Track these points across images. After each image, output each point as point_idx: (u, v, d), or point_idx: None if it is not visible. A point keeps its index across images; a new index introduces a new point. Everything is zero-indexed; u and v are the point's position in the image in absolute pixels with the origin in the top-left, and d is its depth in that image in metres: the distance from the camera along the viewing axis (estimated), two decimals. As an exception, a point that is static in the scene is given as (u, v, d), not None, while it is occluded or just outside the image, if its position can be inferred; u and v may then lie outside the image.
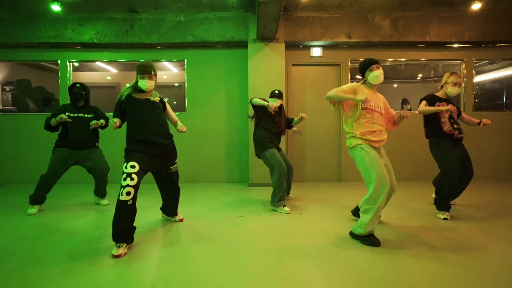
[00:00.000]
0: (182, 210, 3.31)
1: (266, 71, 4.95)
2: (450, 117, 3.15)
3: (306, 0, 4.43)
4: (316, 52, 5.25)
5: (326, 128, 5.35)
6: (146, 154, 2.41)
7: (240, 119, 5.22)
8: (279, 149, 3.57)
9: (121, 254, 2.15)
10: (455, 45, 5.20)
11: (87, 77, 7.39)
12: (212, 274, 1.85)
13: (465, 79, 5.34)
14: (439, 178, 3.15)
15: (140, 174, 2.27)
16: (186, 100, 5.26)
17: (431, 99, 3.20)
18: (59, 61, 5.22)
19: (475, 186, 4.60)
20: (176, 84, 7.62)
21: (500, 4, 4.77)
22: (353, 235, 2.46)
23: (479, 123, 3.27)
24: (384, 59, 5.40)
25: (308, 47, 5.26)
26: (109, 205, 3.65)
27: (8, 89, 6.36)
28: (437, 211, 3.10)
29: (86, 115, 3.50)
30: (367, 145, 2.42)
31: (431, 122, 3.20)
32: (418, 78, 8.65)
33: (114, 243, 2.21)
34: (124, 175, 2.22)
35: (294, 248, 2.25)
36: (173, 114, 2.91)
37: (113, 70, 7.39)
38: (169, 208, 2.95)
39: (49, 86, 7.24)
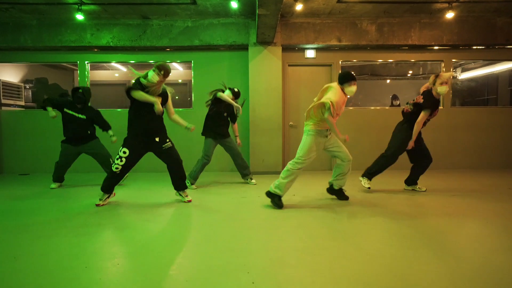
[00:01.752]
0: (194, 193, 3.94)
1: (265, 71, 5.53)
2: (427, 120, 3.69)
3: (300, 9, 4.98)
4: (310, 54, 5.84)
5: (319, 122, 5.97)
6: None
7: (242, 114, 5.81)
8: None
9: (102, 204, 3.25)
10: (435, 48, 5.78)
11: (100, 75, 7.97)
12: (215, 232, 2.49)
13: (444, 78, 5.93)
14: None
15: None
16: (193, 97, 5.86)
17: (433, 104, 3.53)
18: (78, 62, 5.79)
19: (458, 173, 5.24)
20: (179, 81, 8.21)
21: (472, 12, 5.35)
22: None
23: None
24: (372, 60, 5.99)
25: (303, 50, 5.84)
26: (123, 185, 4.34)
27: (28, 87, 6.94)
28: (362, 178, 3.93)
29: (79, 116, 4.16)
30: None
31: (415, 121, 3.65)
32: (408, 75, 9.26)
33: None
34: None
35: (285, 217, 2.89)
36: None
37: (123, 69, 7.95)
38: (176, 182, 3.44)
39: (62, 82, 7.83)
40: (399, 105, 6.77)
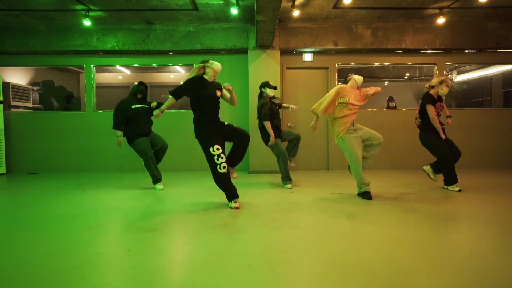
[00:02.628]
0: (196, 191, 4.15)
1: (264, 74, 5.75)
2: (438, 115, 3.95)
3: (297, 14, 5.20)
4: (308, 57, 6.05)
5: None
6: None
7: (241, 115, 6.03)
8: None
9: (239, 206, 3.18)
10: (429, 51, 5.99)
11: (104, 78, 8.21)
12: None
13: (437, 81, 6.13)
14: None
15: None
16: (194, 99, 6.07)
17: (433, 101, 3.89)
18: (84, 65, 6.02)
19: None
20: (181, 83, 8.43)
21: (463, 17, 5.55)
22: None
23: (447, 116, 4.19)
24: (368, 63, 6.21)
25: (301, 53, 6.05)
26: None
27: (35, 89, 7.18)
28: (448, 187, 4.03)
29: (146, 106, 4.24)
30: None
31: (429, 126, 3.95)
32: (405, 77, 9.47)
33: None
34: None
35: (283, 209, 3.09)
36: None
37: (127, 71, 8.19)
38: (239, 156, 3.38)
39: (68, 85, 8.08)
40: (395, 107, 6.97)
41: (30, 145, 6.01)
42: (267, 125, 4.19)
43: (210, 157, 3.08)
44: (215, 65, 3.28)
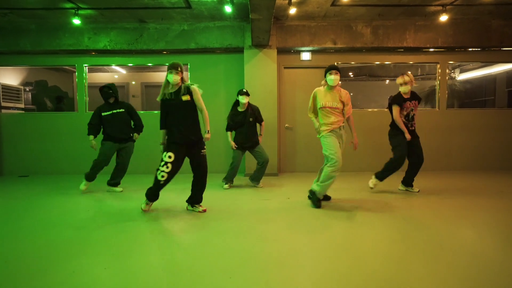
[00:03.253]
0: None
1: (260, 74, 5.58)
2: (407, 115, 3.95)
3: (294, 12, 5.02)
4: (306, 56, 5.87)
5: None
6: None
7: (238, 117, 5.86)
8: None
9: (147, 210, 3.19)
10: (431, 50, 5.80)
11: (100, 77, 8.05)
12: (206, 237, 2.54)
13: (439, 78, 5.94)
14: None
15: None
16: (189, 100, 5.91)
17: (399, 98, 3.94)
18: (76, 65, 5.86)
19: (453, 174, 5.26)
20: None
21: (467, 15, 5.36)
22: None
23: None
24: (368, 62, 6.03)
25: (298, 52, 5.87)
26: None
27: (28, 89, 7.03)
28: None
29: (118, 110, 4.17)
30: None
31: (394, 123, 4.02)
32: (406, 76, 9.27)
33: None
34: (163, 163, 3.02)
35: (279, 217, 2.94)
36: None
37: (122, 71, 8.04)
38: (197, 193, 3.25)
39: (62, 84, 7.93)
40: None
41: (21, 147, 5.88)
42: (228, 135, 4.49)
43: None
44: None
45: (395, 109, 3.92)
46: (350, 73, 8.70)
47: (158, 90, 3.19)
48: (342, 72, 6.32)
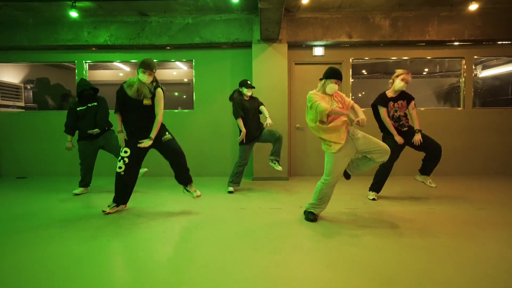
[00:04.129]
0: (188, 200, 3.66)
1: (269, 70, 5.19)
2: (393, 116, 3.63)
3: (307, 2, 4.62)
4: (318, 51, 5.46)
5: (327, 124, 5.59)
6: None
7: (245, 116, 5.50)
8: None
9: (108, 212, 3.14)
10: (455, 43, 5.32)
11: (101, 75, 7.78)
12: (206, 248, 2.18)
13: (465, 74, 5.46)
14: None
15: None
16: (194, 97, 5.57)
17: (380, 100, 3.65)
18: (76, 62, 5.58)
19: (480, 180, 4.79)
20: (185, 80, 7.95)
21: (498, 3, 4.86)
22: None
23: (414, 130, 3.62)
24: (385, 57, 5.58)
25: (311, 47, 5.46)
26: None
27: (29, 87, 6.80)
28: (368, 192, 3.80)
29: (91, 104, 4.03)
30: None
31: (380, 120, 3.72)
32: (424, 73, 8.74)
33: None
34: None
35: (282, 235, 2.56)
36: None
37: (126, 68, 7.75)
38: (180, 175, 3.25)
39: (65, 82, 7.67)
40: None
41: (20, 147, 5.64)
42: (239, 122, 4.04)
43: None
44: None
45: (382, 110, 3.62)
46: (364, 71, 8.25)
47: (167, 88, 3.07)
48: (355, 69, 5.93)
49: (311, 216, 2.95)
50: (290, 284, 1.77)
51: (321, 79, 2.95)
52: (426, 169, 3.70)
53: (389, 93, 3.66)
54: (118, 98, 3.06)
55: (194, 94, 5.57)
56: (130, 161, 3.07)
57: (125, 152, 3.08)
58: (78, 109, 4.02)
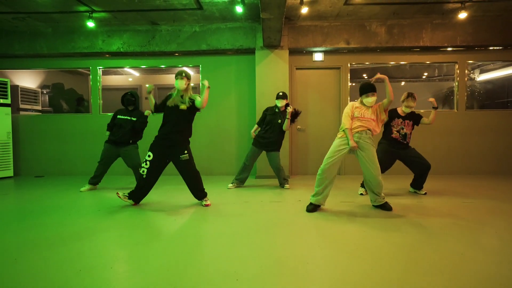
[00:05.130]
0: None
1: (272, 75, 5.51)
2: (398, 131, 3.94)
3: (306, 12, 4.94)
4: (318, 57, 5.77)
5: (327, 126, 5.88)
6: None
7: (249, 118, 5.81)
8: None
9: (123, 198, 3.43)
10: (449, 49, 5.59)
11: (113, 80, 8.19)
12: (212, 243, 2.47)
13: (458, 79, 5.72)
14: None
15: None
16: (201, 101, 5.91)
17: (391, 114, 3.98)
18: (90, 68, 5.96)
19: (472, 179, 5.03)
20: (192, 85, 8.29)
21: (489, 11, 5.14)
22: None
23: (433, 108, 4.01)
24: (383, 62, 5.86)
25: (311, 53, 5.78)
26: None
27: (45, 92, 7.21)
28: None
29: (131, 118, 4.32)
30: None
31: (385, 128, 4.06)
32: (423, 77, 8.99)
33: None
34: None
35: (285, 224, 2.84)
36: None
37: (135, 73, 8.14)
38: (194, 193, 3.52)
39: (78, 87, 8.09)
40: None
41: (38, 148, 6.01)
42: (254, 127, 4.64)
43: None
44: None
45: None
46: (364, 75, 8.53)
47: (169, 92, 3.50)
48: (356, 73, 6.23)
49: (309, 207, 3.25)
50: (286, 263, 2.06)
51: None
52: (417, 184, 4.06)
53: (400, 110, 3.99)
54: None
55: (200, 97, 5.90)
56: (151, 166, 3.29)
57: (149, 156, 3.31)
58: (118, 116, 4.35)
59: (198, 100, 3.36)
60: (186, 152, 3.36)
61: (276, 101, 4.42)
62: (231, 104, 5.84)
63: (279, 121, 4.37)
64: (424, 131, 5.56)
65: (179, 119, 3.35)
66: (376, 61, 5.83)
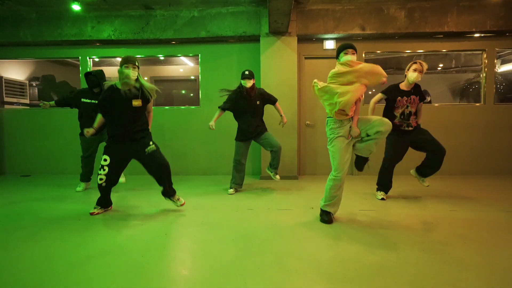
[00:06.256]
0: (192, 200, 3.48)
1: (278, 65, 4.98)
2: (402, 113, 3.36)
3: (318, -7, 4.40)
4: (329, 45, 5.22)
5: (339, 121, 5.34)
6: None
7: (253, 113, 5.29)
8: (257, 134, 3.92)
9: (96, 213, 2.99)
10: (476, 35, 5.02)
11: (106, 72, 7.67)
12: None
13: (486, 69, 5.15)
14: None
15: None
16: (200, 94, 5.40)
17: (391, 91, 3.41)
18: (80, 58, 5.46)
19: (501, 181, 4.50)
20: (192, 77, 7.79)
21: (524, -9, 4.55)
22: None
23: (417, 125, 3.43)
24: (400, 51, 5.30)
25: (321, 40, 5.23)
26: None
27: (34, 84, 6.73)
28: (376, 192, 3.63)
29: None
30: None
31: (386, 114, 3.45)
32: (439, 68, 8.39)
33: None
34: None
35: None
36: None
37: (131, 64, 7.61)
38: (165, 189, 3.04)
39: (71, 80, 7.59)
40: (430, 102, 6.02)
41: (24, 145, 5.55)
42: (217, 112, 3.92)
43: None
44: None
45: (377, 95, 3.46)
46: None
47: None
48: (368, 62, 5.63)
49: (325, 217, 2.74)
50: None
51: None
52: (424, 173, 3.49)
53: (403, 86, 3.40)
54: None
55: (200, 90, 5.39)
56: (109, 171, 2.87)
57: (105, 160, 2.86)
58: (82, 99, 3.94)
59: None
60: (151, 142, 2.97)
61: (243, 81, 3.81)
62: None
63: (258, 102, 3.89)
64: (442, 127, 5.02)
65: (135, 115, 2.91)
66: (394, 49, 5.26)
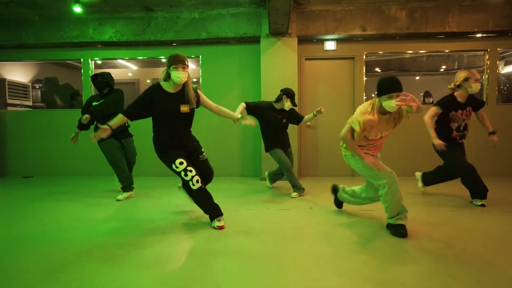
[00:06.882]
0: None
1: (278, 66, 4.97)
2: (459, 127, 3.20)
3: (318, -6, 4.39)
4: (330, 46, 5.21)
5: (340, 123, 5.29)
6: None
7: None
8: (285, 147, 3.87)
9: (223, 225, 2.57)
10: (478, 35, 4.97)
11: (113, 74, 7.71)
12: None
13: (488, 71, 5.10)
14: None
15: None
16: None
17: (447, 104, 3.15)
18: (82, 60, 5.50)
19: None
20: (194, 80, 7.80)
21: (528, -10, 4.51)
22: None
23: (489, 133, 3.30)
24: (401, 51, 5.27)
25: (322, 41, 5.22)
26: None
27: (37, 87, 6.79)
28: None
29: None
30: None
31: (441, 128, 3.24)
32: (441, 70, 8.33)
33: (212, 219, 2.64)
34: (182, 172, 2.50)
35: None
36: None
37: (133, 67, 7.67)
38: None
39: (74, 82, 7.65)
40: (432, 103, 5.97)
41: (26, 146, 5.58)
42: (240, 106, 3.63)
43: (178, 175, 2.55)
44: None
45: (433, 109, 3.14)
46: (377, 68, 7.93)
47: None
48: (368, 66, 5.61)
49: (400, 230, 2.33)
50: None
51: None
52: (427, 181, 3.52)
53: (459, 97, 3.14)
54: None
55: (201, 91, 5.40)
56: (194, 169, 2.55)
57: (181, 163, 2.50)
58: (94, 104, 3.68)
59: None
60: (203, 150, 2.87)
61: (287, 104, 3.72)
62: (234, 98, 5.31)
63: (284, 120, 3.84)
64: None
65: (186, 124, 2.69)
66: (395, 50, 5.24)
